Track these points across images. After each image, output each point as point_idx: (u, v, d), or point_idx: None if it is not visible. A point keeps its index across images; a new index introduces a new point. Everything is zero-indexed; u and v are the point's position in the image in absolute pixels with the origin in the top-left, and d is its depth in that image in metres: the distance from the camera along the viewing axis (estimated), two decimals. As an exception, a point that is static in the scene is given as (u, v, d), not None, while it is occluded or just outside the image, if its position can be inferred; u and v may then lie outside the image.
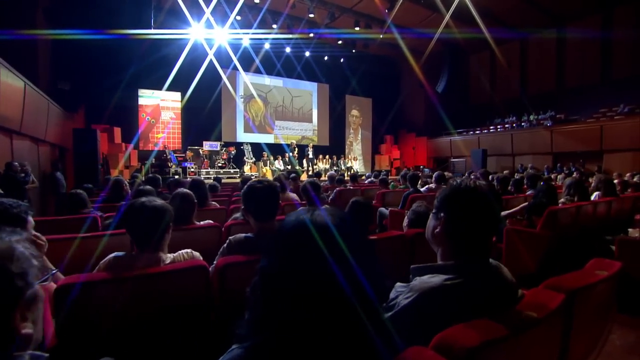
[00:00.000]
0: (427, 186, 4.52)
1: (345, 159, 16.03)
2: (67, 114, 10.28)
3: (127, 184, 3.88)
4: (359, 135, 18.73)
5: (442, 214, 0.93)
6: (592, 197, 3.77)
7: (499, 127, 15.54)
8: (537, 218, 2.92)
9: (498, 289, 0.84)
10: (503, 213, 3.29)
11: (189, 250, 1.44)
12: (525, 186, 4.54)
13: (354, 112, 18.55)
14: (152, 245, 1.29)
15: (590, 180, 6.16)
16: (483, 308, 0.77)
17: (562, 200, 3.29)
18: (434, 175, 4.57)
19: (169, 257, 1.36)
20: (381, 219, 4.50)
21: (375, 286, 0.54)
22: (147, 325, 1.19)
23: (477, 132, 15.88)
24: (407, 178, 4.41)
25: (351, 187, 5.60)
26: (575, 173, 9.07)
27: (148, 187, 2.92)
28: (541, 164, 13.06)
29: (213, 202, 3.07)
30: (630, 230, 2.78)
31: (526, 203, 3.17)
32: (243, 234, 1.47)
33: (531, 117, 14.64)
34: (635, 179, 5.20)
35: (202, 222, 2.09)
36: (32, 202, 5.14)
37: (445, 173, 5.47)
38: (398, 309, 0.81)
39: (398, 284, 0.90)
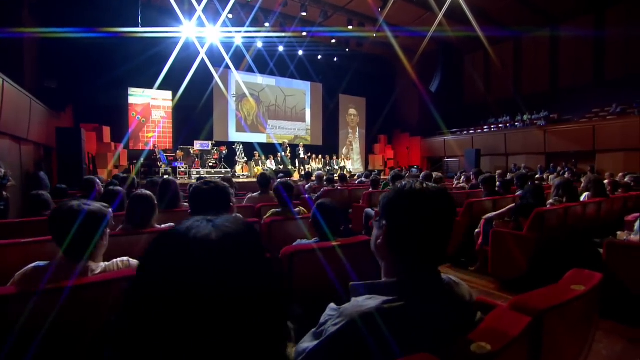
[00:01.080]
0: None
1: (338, 158, 15.92)
2: (54, 113, 10.06)
3: (100, 184, 3.74)
4: (356, 135, 18.65)
5: (384, 222, 0.79)
6: (582, 198, 3.68)
7: (492, 127, 15.52)
8: (524, 220, 2.82)
9: (449, 313, 0.71)
10: (490, 215, 3.18)
11: (125, 259, 1.31)
12: (514, 186, 4.45)
13: (352, 111, 18.46)
14: (80, 254, 1.16)
15: (582, 180, 6.09)
16: (427, 337, 0.64)
17: (550, 201, 3.19)
18: (421, 175, 4.46)
19: (100, 266, 1.23)
20: (367, 220, 4.38)
21: (257, 310, 0.45)
22: (69, 343, 1.07)
23: (471, 132, 15.84)
24: (391, 178, 4.29)
25: (339, 188, 5.48)
26: (567, 173, 9.01)
27: (118, 188, 2.77)
28: (534, 164, 13.08)
29: (186, 204, 2.93)
30: (619, 233, 2.69)
31: (513, 204, 3.07)
32: None
33: (525, 117, 14.64)
34: (626, 179, 5.13)
35: (164, 225, 1.95)
36: (10, 201, 4.97)
37: (435, 173, 5.36)
38: (323, 338, 0.67)
39: (331, 305, 0.75)
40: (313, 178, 6.24)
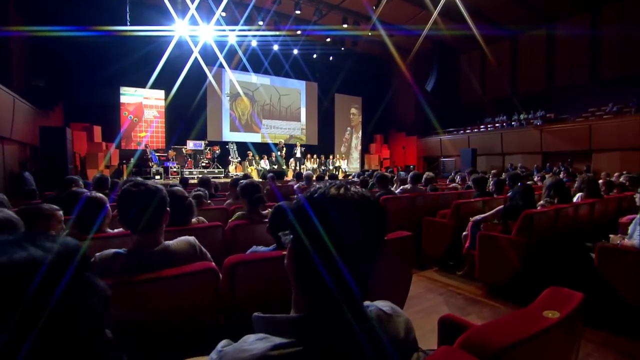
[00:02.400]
0: (401, 187, 4.25)
1: (334, 158, 15.77)
2: (41, 112, 9.88)
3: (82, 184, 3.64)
4: (359, 134, 18.54)
5: (290, 236, 0.62)
6: (575, 199, 3.54)
7: (489, 126, 15.41)
8: (512, 222, 2.67)
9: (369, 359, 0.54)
10: (477, 217, 3.03)
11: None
12: (507, 186, 4.31)
13: (354, 110, 18.33)
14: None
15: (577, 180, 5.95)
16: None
17: (541, 202, 3.04)
18: (409, 176, 4.31)
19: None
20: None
21: None
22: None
23: (468, 131, 15.74)
24: (376, 179, 4.13)
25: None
26: (562, 173, 8.89)
27: (83, 190, 2.61)
28: (531, 164, 12.99)
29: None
30: (611, 236, 2.54)
31: (501, 206, 2.92)
32: (113, 250, 1.18)
33: (521, 117, 14.54)
34: (621, 179, 4.98)
35: (115, 230, 1.80)
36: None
37: (427, 173, 5.22)
38: None
39: (221, 342, 0.60)
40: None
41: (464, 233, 3.14)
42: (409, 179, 4.23)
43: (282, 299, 1.30)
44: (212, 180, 4.07)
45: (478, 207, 3.50)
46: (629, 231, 2.38)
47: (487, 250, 2.71)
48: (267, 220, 2.22)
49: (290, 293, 0.62)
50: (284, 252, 0.65)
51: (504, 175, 6.66)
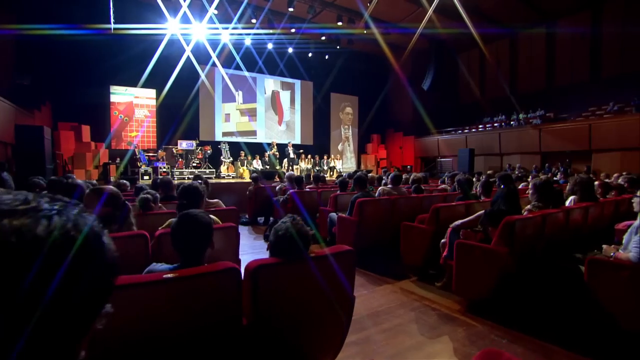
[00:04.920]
0: (380, 188, 3.94)
1: (329, 158, 15.48)
2: (25, 111, 9.66)
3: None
4: (349, 133, 18.24)
5: None
6: (567, 203, 3.23)
7: (488, 126, 15.10)
8: (494, 230, 2.38)
9: None
10: (456, 223, 2.73)
11: None
12: (495, 188, 4.00)
13: (348, 109, 18.03)
14: None
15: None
16: None
17: (528, 207, 2.74)
18: (389, 176, 4.01)
19: None
20: (331, 225, 3.95)
21: None
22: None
23: (466, 131, 15.43)
24: (355, 180, 3.84)
25: (307, 190, 5.03)
26: (560, 174, 8.57)
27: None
28: (529, 164, 12.70)
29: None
30: (604, 247, 2.24)
31: (483, 211, 2.61)
32: None
33: (520, 116, 14.22)
34: (620, 180, 4.65)
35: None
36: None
37: (415, 173, 4.92)
38: None
39: None
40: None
41: (442, 240, 2.84)
42: (388, 179, 3.93)
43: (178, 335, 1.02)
44: (173, 181, 3.78)
45: (461, 212, 3.19)
46: (624, 241, 2.08)
47: (464, 260, 2.41)
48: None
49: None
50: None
51: (496, 176, 6.36)
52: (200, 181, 2.82)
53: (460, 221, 2.70)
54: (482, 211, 2.57)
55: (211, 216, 2.18)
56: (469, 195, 3.53)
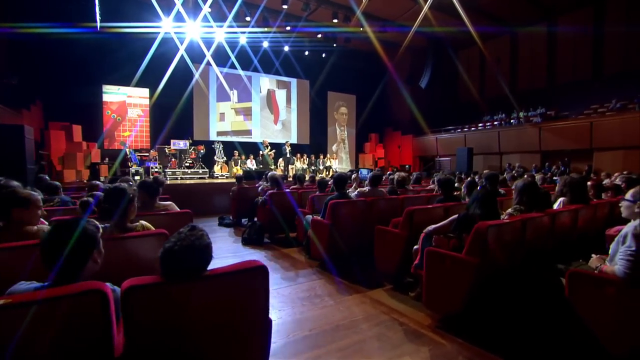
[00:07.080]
0: (358, 190, 3.69)
1: (325, 157, 15.24)
2: (13, 111, 9.50)
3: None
4: (346, 133, 17.98)
5: None
6: (556, 205, 2.97)
7: (487, 124, 14.78)
8: (467, 236, 2.13)
9: None
10: (429, 228, 2.48)
11: None
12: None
13: (343, 109, 17.77)
14: None
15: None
16: None
17: (509, 210, 2.49)
18: (368, 176, 3.76)
19: None
20: (308, 229, 3.70)
21: None
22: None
23: (465, 130, 15.12)
24: (334, 180, 3.59)
25: (287, 191, 4.78)
26: (558, 174, 8.25)
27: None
28: (529, 163, 12.41)
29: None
30: (593, 257, 1.98)
31: (456, 215, 2.35)
32: None
33: (521, 115, 13.89)
34: (617, 180, 4.35)
35: None
36: None
37: (398, 173, 4.65)
38: None
39: None
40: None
41: (414, 247, 2.59)
42: (367, 180, 3.69)
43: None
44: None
45: (440, 215, 2.93)
46: (610, 251, 1.82)
47: (435, 270, 2.16)
48: (131, 236, 1.71)
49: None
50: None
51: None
52: (130, 182, 2.59)
53: (433, 226, 2.45)
54: (456, 215, 2.32)
55: (142, 222, 1.95)
56: (449, 197, 3.27)
